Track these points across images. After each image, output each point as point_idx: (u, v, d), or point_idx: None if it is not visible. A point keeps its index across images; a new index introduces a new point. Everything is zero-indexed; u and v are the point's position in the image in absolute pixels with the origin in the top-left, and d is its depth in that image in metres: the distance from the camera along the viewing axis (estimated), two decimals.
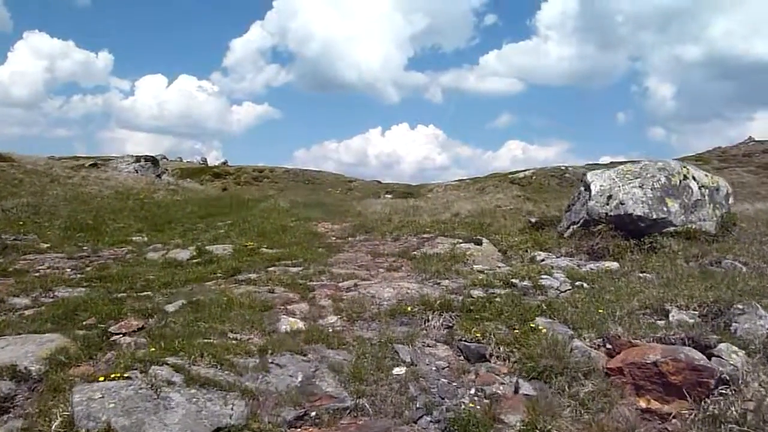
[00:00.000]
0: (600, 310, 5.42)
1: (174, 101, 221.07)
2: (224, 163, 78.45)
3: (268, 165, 64.21)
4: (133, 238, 10.75)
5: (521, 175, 35.47)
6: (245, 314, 5.84)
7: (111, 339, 5.63)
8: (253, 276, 7.59)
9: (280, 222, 12.05)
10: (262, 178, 56.60)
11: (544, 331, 5.06)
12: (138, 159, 21.18)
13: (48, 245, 9.77)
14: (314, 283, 7.24)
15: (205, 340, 5.29)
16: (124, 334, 5.75)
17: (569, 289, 6.48)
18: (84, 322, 5.96)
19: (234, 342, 5.26)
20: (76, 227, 11.07)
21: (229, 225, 11.63)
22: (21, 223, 10.92)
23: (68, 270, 8.38)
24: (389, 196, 26.93)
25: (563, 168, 35.47)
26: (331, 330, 5.59)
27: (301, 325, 5.72)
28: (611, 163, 48.37)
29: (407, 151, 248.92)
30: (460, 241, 9.62)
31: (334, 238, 10.80)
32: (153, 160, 21.22)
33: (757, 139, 76.72)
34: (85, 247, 9.89)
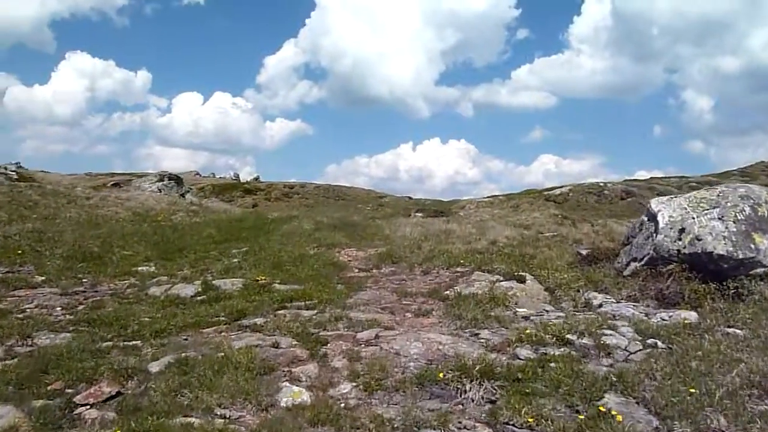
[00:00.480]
0: (691, 389, 4.13)
1: (209, 118, 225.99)
2: (256, 179, 78.42)
3: (298, 181, 63.75)
4: (140, 269, 9.79)
5: (557, 192, 33.91)
6: (240, 380, 4.74)
7: (74, 412, 4.59)
8: (259, 321, 6.50)
9: (299, 250, 11.00)
10: (293, 194, 56.01)
11: (620, 419, 3.82)
12: (161, 177, 20.45)
13: (44, 278, 8.86)
14: (328, 332, 6.10)
15: (186, 419, 4.22)
16: (91, 406, 4.70)
17: (641, 350, 5.18)
18: (49, 387, 4.94)
19: (221, 422, 4.18)
20: (79, 256, 10.16)
21: (245, 253, 10.62)
22: (20, 252, 10.07)
23: (58, 309, 7.43)
24: (420, 214, 25.70)
25: (601, 184, 33.82)
26: (342, 405, 4.45)
27: (306, 396, 4.58)
28: (651, 178, 46.49)
29: (438, 165, 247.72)
30: (500, 278, 8.37)
31: (356, 271, 9.67)
32: (177, 179, 20.47)
33: None
34: (84, 280, 8.96)
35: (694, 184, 36.60)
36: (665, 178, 41.78)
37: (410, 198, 56.45)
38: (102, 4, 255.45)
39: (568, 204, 32.20)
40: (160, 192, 19.82)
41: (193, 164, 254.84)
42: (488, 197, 45.12)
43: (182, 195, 19.99)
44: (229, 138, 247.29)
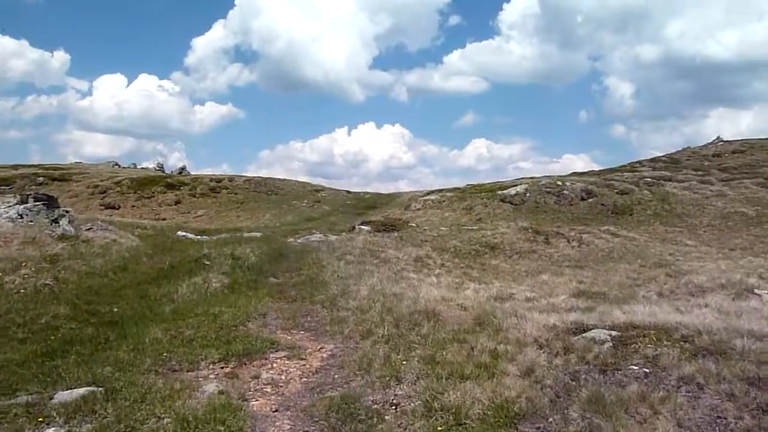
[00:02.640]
0: None
1: (134, 101, 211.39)
2: (182, 169, 71.58)
3: (227, 174, 57.70)
4: None
5: (512, 191, 29.98)
6: None
7: None
8: None
9: (188, 355, 6.29)
10: (221, 189, 50.19)
11: None
12: (24, 199, 14.91)
13: None
14: None
15: None
16: None
17: None
18: None
19: None
20: None
21: (82, 399, 5.71)
22: None
23: None
24: (366, 228, 21.06)
25: (559, 183, 30.13)
26: None
27: None
28: (604, 170, 43.55)
29: (373, 149, 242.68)
30: None
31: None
32: (47, 200, 14.96)
33: (725, 138, 73.39)
34: None
35: (649, 179, 33.61)
36: (618, 170, 38.78)
37: (348, 192, 51.69)
38: None
39: (526, 206, 28.34)
40: (22, 218, 14.33)
41: (117, 150, 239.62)
42: (434, 193, 40.94)
43: (54, 221, 14.55)
44: (155, 122, 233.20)
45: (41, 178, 56.66)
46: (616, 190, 30.26)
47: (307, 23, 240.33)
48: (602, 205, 28.25)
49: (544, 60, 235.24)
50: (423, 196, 39.57)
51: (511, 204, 29.06)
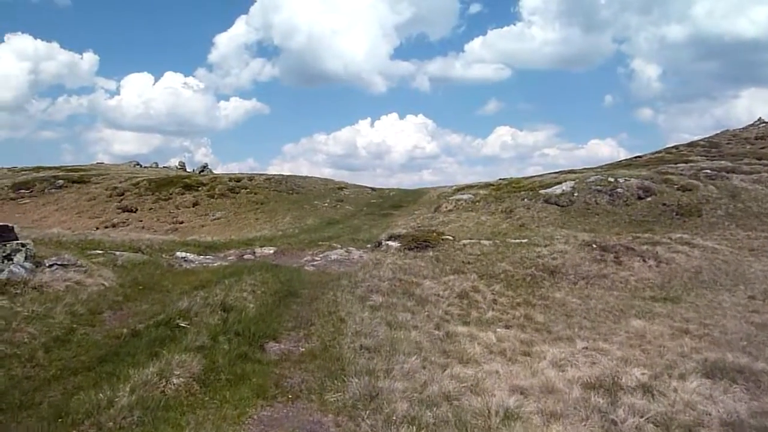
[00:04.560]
0: None
1: (160, 99, 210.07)
2: (204, 167, 68.81)
3: (246, 173, 54.42)
4: None
5: (558, 190, 25.92)
6: None
7: None
8: None
9: None
10: (240, 189, 46.90)
11: None
12: None
13: None
14: None
15: None
16: None
17: None
18: None
19: None
20: None
21: None
22: None
23: None
24: (394, 245, 17.36)
25: (611, 180, 25.94)
26: None
27: None
28: (655, 162, 38.82)
29: (396, 140, 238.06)
30: None
31: None
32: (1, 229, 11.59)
33: (767, 119, 67.98)
34: None
35: (708, 171, 29.13)
36: (672, 163, 34.31)
37: (373, 189, 47.97)
38: None
39: (574, 208, 24.28)
40: None
41: (145, 147, 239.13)
42: (465, 189, 37.02)
43: (7, 257, 11.19)
44: (181, 119, 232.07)
45: (61, 181, 54.11)
46: (676, 186, 25.99)
47: (327, 16, 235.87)
48: (664, 204, 24.05)
49: (567, 44, 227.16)
50: (453, 195, 35.71)
51: (557, 205, 25.03)
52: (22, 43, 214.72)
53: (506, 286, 13.66)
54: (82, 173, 56.97)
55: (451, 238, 18.69)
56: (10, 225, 12.47)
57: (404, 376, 7.04)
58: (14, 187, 52.04)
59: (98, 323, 9.33)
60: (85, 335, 8.59)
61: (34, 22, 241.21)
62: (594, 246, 16.25)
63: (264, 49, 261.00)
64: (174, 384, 6.70)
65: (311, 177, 53.14)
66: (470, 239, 19.08)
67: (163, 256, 17.70)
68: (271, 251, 20.54)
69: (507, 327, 10.76)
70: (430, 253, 16.46)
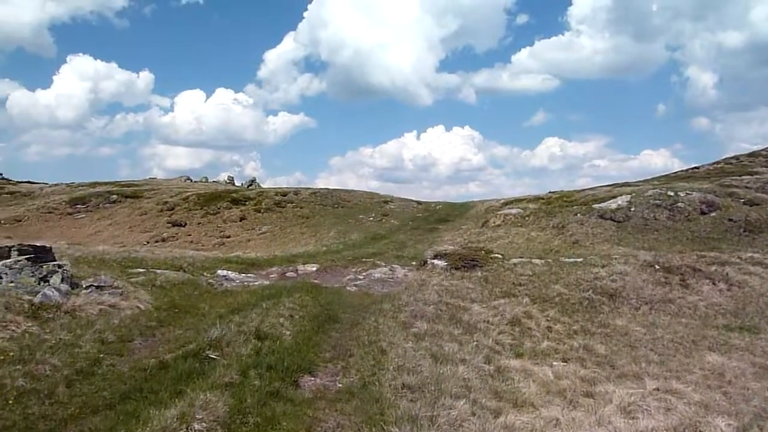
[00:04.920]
0: None
1: (212, 115, 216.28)
2: (252, 181, 69.49)
3: (292, 187, 54.54)
4: None
5: (613, 205, 24.50)
6: None
7: None
8: None
9: None
10: (286, 204, 46.88)
11: None
12: (4, 253, 11.35)
13: None
14: None
15: None
16: None
17: None
18: None
19: None
20: None
21: None
22: None
23: None
24: (440, 263, 16.53)
25: (671, 194, 24.33)
26: None
27: None
28: (719, 174, 36.52)
29: (443, 153, 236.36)
30: None
31: None
32: (35, 253, 11.33)
33: None
34: None
35: None
36: (735, 175, 32.23)
37: (418, 203, 47.11)
38: (101, 7, 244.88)
39: (632, 224, 22.84)
40: (0, 280, 10.76)
41: (197, 162, 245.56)
42: (513, 203, 35.78)
43: (43, 279, 10.87)
44: (232, 134, 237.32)
45: (114, 196, 55.50)
46: (742, 200, 24.19)
47: (374, 30, 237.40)
48: (730, 220, 22.33)
49: (617, 53, 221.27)
50: (501, 209, 34.53)
51: (613, 221, 23.61)
52: (83, 63, 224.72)
53: (561, 312, 12.59)
54: (135, 188, 58.34)
55: (500, 256, 17.66)
56: (47, 246, 12.25)
57: (451, 426, 6.18)
58: (71, 203, 53.61)
59: (127, 352, 8.82)
60: (110, 367, 8.07)
61: (94, 43, 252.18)
62: (657, 267, 14.94)
63: (311, 65, 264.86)
64: (195, 430, 6.04)
65: (356, 191, 52.77)
66: (521, 258, 18.00)
67: (204, 274, 17.35)
68: (314, 269, 19.98)
69: (564, 360, 9.73)
70: (479, 273, 15.49)
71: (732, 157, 65.56)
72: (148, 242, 43.06)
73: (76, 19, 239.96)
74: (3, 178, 74.02)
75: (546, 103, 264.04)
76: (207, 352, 8.47)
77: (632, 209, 23.99)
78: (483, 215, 34.51)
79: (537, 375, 8.55)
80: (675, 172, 64.18)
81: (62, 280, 11.55)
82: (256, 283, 16.59)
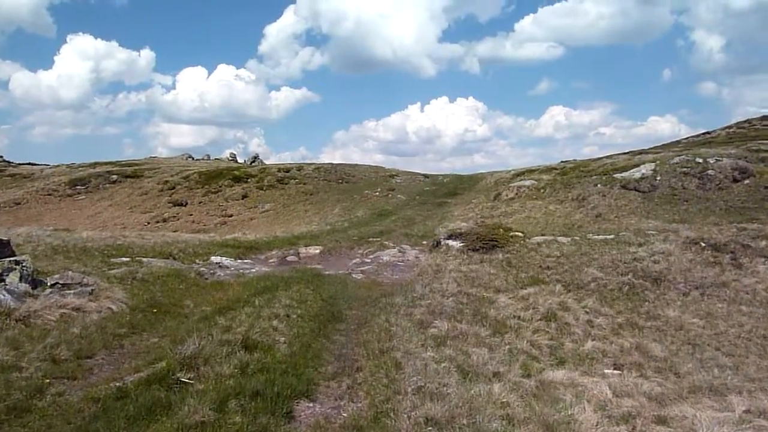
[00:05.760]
0: None
1: (214, 92, 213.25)
2: (255, 158, 67.38)
3: (295, 162, 52.55)
4: None
5: (636, 174, 22.50)
6: None
7: None
8: None
9: None
10: (289, 180, 44.97)
11: None
12: None
13: None
14: None
15: None
16: None
17: None
18: None
19: None
20: None
21: None
22: None
23: None
24: (456, 244, 14.71)
25: (699, 161, 22.28)
26: None
27: None
28: (751, 138, 34.19)
29: (447, 124, 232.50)
30: None
31: None
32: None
33: None
34: None
35: None
36: (761, 139, 30.04)
37: (426, 176, 45.12)
38: None
39: (658, 194, 20.88)
40: None
41: (201, 139, 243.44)
42: (525, 174, 33.77)
43: None
44: (235, 111, 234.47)
45: (114, 176, 53.71)
46: None
47: (375, 1, 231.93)
48: (766, 188, 20.31)
49: (622, 17, 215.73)
50: (512, 180, 32.53)
51: (638, 191, 21.64)
52: (83, 43, 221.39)
53: (600, 301, 10.75)
54: (136, 168, 56.50)
55: (520, 234, 15.79)
56: (4, 239, 10.43)
57: None
58: (71, 184, 51.88)
59: (82, 374, 7.04)
60: (55, 397, 6.28)
61: (93, 22, 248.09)
62: (703, 244, 13.04)
63: (313, 38, 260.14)
64: None
65: (361, 165, 50.72)
66: (543, 235, 16.13)
67: (197, 261, 15.59)
68: (317, 251, 18.21)
69: (617, 367, 7.92)
70: (500, 256, 13.65)
71: (744, 121, 62.98)
72: (148, 223, 41.40)
73: None
74: (4, 161, 72.28)
75: (550, 71, 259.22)
76: (178, 374, 6.67)
77: (658, 178, 21.98)
78: (494, 188, 32.56)
79: (591, 392, 6.74)
80: (686, 138, 61.74)
81: (21, 278, 9.79)
82: (253, 270, 14.82)
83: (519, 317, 9.52)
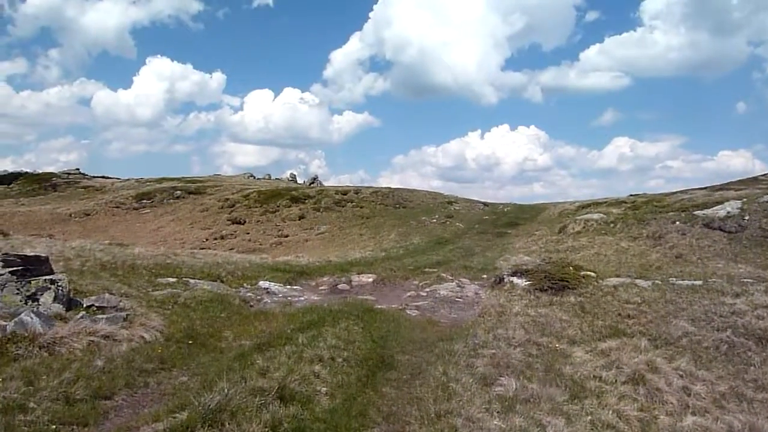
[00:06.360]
0: None
1: (279, 114, 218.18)
2: (314, 179, 67.53)
3: (353, 185, 52.08)
4: None
5: (721, 212, 20.40)
6: None
7: None
8: None
9: None
10: (345, 203, 44.39)
11: None
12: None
13: None
14: None
15: None
16: None
17: None
18: None
19: None
20: None
21: None
22: None
23: None
24: (521, 282, 13.35)
25: None
26: None
27: None
28: None
29: (507, 152, 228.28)
30: None
31: None
32: (23, 265, 8.97)
33: None
34: None
35: None
36: None
37: (485, 205, 43.55)
38: (178, 11, 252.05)
39: (746, 235, 18.76)
40: None
41: (264, 159, 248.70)
42: (591, 207, 31.78)
43: (31, 297, 8.47)
44: (298, 133, 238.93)
45: (179, 192, 54.75)
46: None
47: (438, 29, 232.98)
48: None
49: (693, 49, 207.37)
50: (578, 212, 30.63)
51: (723, 231, 19.52)
52: (161, 65, 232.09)
53: (695, 361, 9.11)
54: (199, 184, 57.48)
55: (593, 274, 14.19)
56: (42, 255, 9.86)
57: None
58: (137, 198, 53.21)
59: (94, 419, 6.12)
60: None
61: (171, 45, 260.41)
62: None
63: (376, 64, 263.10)
64: None
65: (419, 190, 49.68)
66: (617, 276, 14.48)
67: (244, 285, 14.79)
68: (370, 279, 17.11)
69: None
70: (571, 299, 12.13)
71: None
72: (207, 239, 41.61)
73: (155, 23, 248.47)
74: (80, 173, 75.36)
75: (616, 101, 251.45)
76: (199, 430, 5.65)
77: (746, 218, 19.79)
78: (558, 219, 30.72)
79: None
80: (764, 174, 57.49)
81: (55, 298, 9.13)
82: (301, 299, 13.87)
83: (600, 378, 8.05)
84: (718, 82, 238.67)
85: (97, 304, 9.58)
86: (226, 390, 6.38)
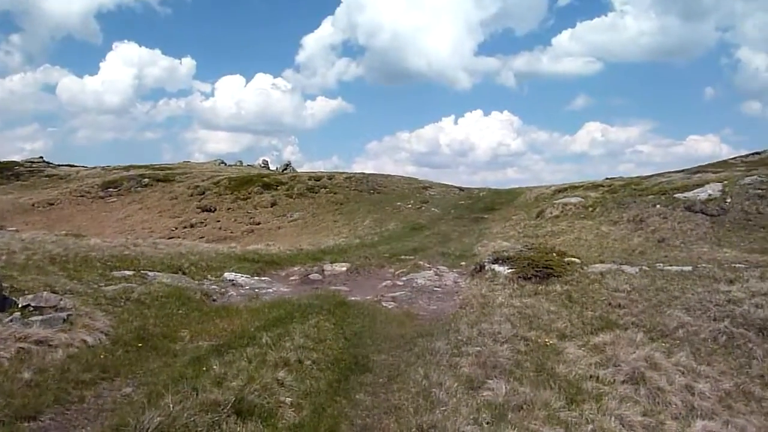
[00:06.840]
0: None
1: (251, 100, 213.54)
2: (287, 166, 66.07)
3: (326, 171, 50.85)
4: None
5: (702, 195, 19.90)
6: None
7: None
8: None
9: None
10: (319, 189, 43.21)
11: None
12: None
13: None
14: None
15: None
16: None
17: None
18: None
19: None
20: None
21: None
22: None
23: None
24: (504, 270, 12.54)
25: None
26: None
27: None
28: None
29: (481, 138, 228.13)
30: None
31: None
32: None
33: None
34: None
35: None
36: None
37: (461, 189, 42.81)
38: None
39: (729, 218, 18.30)
40: None
41: (237, 146, 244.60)
42: (568, 190, 31.23)
43: None
44: (270, 119, 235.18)
45: (147, 180, 52.76)
46: None
47: (411, 13, 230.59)
48: None
49: (664, 34, 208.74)
50: (555, 197, 30.03)
51: (705, 214, 19.03)
52: (128, 50, 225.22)
53: (694, 356, 8.39)
54: (168, 172, 55.59)
55: (577, 260, 13.47)
56: None
57: None
58: (103, 186, 51.15)
59: None
60: None
61: (138, 30, 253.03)
62: None
63: (349, 49, 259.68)
64: None
65: (394, 176, 48.69)
66: (602, 262, 13.79)
67: (208, 277, 13.72)
68: (344, 268, 16.15)
69: None
70: (558, 287, 11.36)
71: None
72: (176, 228, 40.09)
73: (121, 7, 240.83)
74: (44, 162, 72.43)
75: (587, 86, 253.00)
76: None
77: (728, 200, 19.33)
78: (534, 203, 30.11)
79: None
80: (734, 158, 57.98)
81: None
82: (269, 291, 12.86)
83: (597, 378, 7.26)
84: (688, 67, 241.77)
85: (33, 304, 8.42)
86: (171, 406, 5.38)
